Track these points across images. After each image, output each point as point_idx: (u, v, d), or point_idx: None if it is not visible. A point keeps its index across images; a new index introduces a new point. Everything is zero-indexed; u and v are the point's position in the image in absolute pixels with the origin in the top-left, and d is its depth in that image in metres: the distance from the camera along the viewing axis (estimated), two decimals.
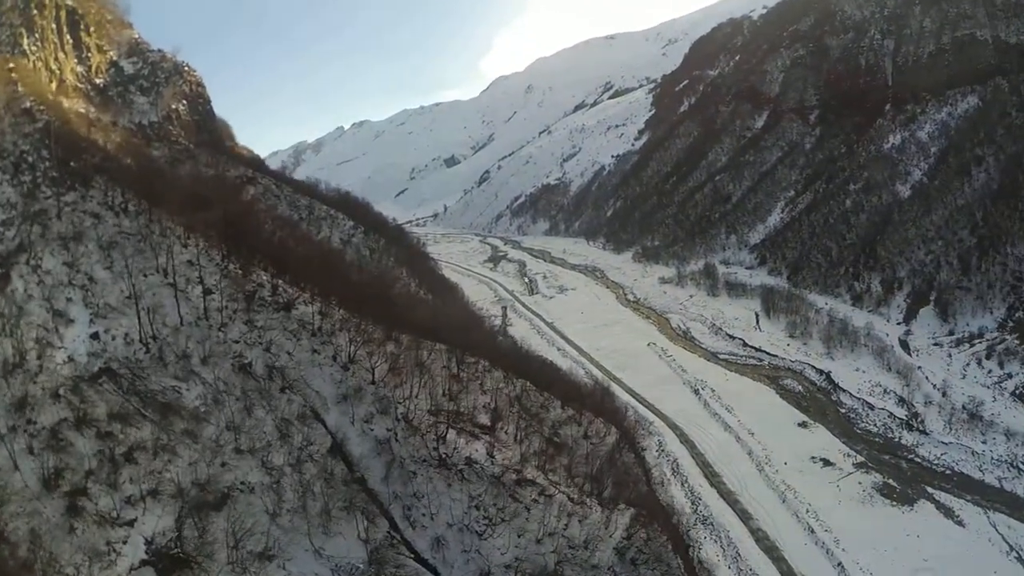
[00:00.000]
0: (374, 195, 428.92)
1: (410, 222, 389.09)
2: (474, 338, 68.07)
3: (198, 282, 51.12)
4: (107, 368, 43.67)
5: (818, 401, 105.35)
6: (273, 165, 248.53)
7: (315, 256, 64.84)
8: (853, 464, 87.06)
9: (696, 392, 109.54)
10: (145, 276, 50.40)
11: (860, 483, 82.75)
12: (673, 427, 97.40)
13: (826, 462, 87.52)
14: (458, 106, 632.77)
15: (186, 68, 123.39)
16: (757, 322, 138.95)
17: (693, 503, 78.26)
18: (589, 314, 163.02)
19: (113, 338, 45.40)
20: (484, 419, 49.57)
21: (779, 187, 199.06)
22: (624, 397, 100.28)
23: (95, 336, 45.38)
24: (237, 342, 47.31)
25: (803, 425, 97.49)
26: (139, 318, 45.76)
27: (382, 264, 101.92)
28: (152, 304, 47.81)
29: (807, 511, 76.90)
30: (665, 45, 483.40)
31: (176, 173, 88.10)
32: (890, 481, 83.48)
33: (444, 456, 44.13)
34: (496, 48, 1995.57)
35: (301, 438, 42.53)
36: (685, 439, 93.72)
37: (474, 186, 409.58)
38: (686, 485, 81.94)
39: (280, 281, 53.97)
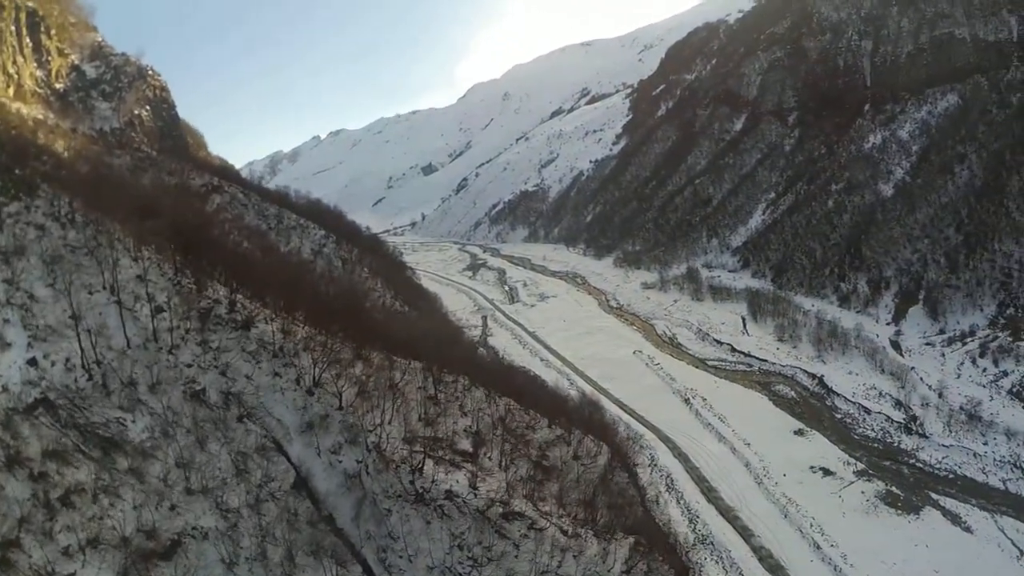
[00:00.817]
0: (351, 204, 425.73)
1: (388, 231, 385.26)
2: (453, 353, 63.20)
3: (148, 299, 46.40)
4: (44, 398, 38.98)
5: (812, 407, 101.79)
6: (248, 175, 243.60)
7: (279, 268, 60.05)
8: (854, 472, 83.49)
9: (687, 401, 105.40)
10: (91, 293, 45.70)
11: (863, 492, 79.16)
12: (665, 439, 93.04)
13: (826, 471, 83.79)
14: (435, 114, 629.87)
15: (150, 72, 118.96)
16: (744, 326, 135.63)
17: (691, 522, 73.84)
18: (572, 322, 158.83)
19: (52, 364, 40.66)
20: (465, 444, 44.68)
21: (760, 189, 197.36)
22: (612, 409, 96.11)
23: (32, 362, 40.60)
24: (190, 366, 42.61)
25: (799, 433, 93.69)
26: (79, 341, 40.99)
27: (355, 275, 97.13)
28: (97, 325, 43.12)
29: (811, 525, 72.96)
30: (641, 51, 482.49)
31: (134, 181, 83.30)
32: (893, 488, 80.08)
33: (421, 490, 39.27)
34: (472, 53, 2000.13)
35: (261, 474, 37.94)
36: (678, 452, 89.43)
37: (452, 194, 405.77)
38: (682, 502, 77.47)
39: (240, 296, 49.28)
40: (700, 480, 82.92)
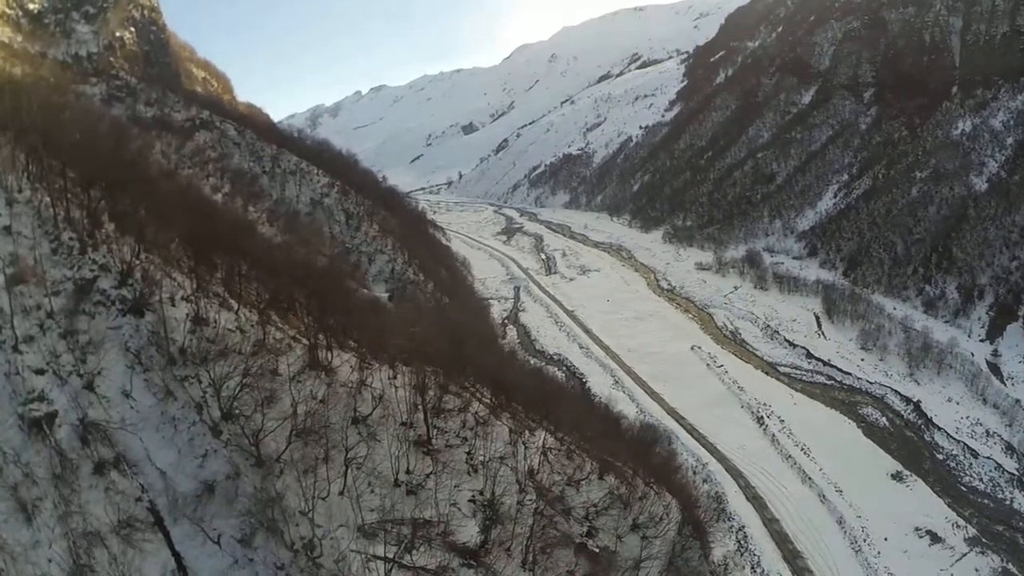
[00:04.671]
0: (389, 160, 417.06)
1: (423, 188, 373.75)
2: (468, 352, 45.62)
3: (9, 262, 30.50)
4: None
5: (909, 441, 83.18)
6: (289, 128, 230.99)
7: (231, 220, 43.32)
8: (965, 540, 65.84)
9: (759, 421, 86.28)
10: None
11: (977, 570, 61.99)
12: (735, 473, 75.05)
13: (934, 537, 65.99)
14: (479, 73, 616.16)
15: None
16: (819, 326, 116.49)
17: None
18: (617, 303, 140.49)
19: None
20: (469, 531, 26.75)
21: (831, 169, 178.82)
22: (667, 424, 78.40)
23: None
24: (40, 372, 26.51)
25: (897, 477, 75.34)
26: None
27: (361, 233, 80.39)
28: None
29: None
30: (697, 18, 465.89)
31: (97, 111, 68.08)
32: (1010, 567, 62.72)
33: None
34: (514, 18, 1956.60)
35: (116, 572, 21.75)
36: (752, 494, 71.48)
37: (491, 154, 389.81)
38: (758, 570, 60.24)
39: (149, 258, 32.97)
40: (782, 540, 64.86)
